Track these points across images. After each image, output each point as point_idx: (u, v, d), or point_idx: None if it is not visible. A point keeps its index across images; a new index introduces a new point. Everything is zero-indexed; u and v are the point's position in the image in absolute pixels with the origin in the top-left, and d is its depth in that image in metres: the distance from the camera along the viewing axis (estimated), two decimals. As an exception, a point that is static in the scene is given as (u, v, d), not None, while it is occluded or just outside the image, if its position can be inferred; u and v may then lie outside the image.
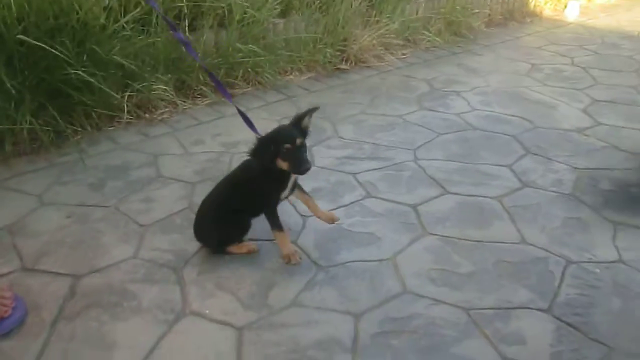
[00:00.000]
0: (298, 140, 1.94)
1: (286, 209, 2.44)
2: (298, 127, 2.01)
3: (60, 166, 2.76)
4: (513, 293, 2.00)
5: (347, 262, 2.14)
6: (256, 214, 2.16)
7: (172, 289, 1.98)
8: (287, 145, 1.92)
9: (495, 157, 2.96)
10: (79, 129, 3.06)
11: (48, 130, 2.88)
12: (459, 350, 1.76)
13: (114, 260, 2.11)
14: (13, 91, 2.70)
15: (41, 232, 2.26)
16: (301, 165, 1.94)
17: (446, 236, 2.30)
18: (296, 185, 2.16)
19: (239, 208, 2.10)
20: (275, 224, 2.09)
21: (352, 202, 2.53)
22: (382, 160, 2.91)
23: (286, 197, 2.15)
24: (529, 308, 1.94)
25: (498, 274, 2.10)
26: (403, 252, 2.21)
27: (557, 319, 1.89)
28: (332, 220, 2.20)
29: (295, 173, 2.01)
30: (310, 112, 2.05)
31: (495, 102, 3.71)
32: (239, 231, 2.16)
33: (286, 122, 3.26)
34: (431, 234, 2.32)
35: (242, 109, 3.44)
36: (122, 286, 1.99)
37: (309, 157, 2.01)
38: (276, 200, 2.10)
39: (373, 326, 1.84)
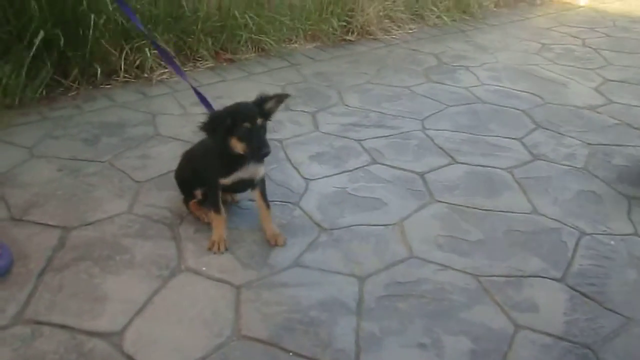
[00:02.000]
0: (259, 120, 1.71)
1: (289, 172, 2.34)
2: (260, 108, 1.74)
3: (53, 120, 2.65)
4: (525, 262, 1.91)
5: (351, 226, 2.04)
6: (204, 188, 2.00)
7: (168, 245, 1.88)
8: (246, 124, 1.68)
9: (505, 129, 2.86)
10: (75, 85, 2.93)
11: (40, 83, 2.76)
12: (468, 316, 1.67)
13: (107, 214, 2.01)
14: None
15: (31, 183, 2.15)
16: (260, 147, 1.69)
17: (454, 204, 2.21)
18: (258, 184, 1.91)
19: (188, 177, 1.99)
20: (213, 204, 1.87)
21: (356, 168, 2.42)
22: (388, 129, 2.80)
23: (242, 191, 1.99)
24: (541, 277, 1.85)
25: (509, 243, 2.00)
26: (410, 218, 2.11)
27: (571, 288, 1.81)
28: (275, 241, 1.90)
29: (252, 157, 1.76)
30: (279, 97, 1.78)
31: (504, 77, 3.60)
32: (186, 194, 2.03)
33: (290, 88, 3.19)
34: (439, 201, 2.23)
35: (244, 73, 3.37)
36: (115, 240, 1.89)
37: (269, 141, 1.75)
38: (216, 183, 1.85)
39: (379, 289, 1.75)
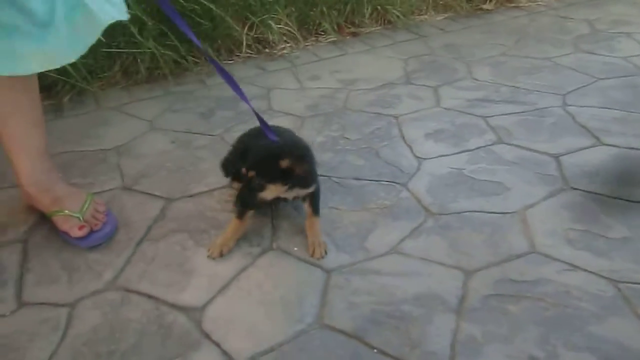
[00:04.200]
0: (250, 172, 1.55)
1: (401, 150, 2.15)
2: (272, 161, 1.55)
3: (175, 95, 2.72)
4: (684, 269, 1.53)
5: (463, 212, 1.80)
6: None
7: (262, 222, 1.80)
8: (243, 169, 1.58)
9: (671, 107, 2.37)
10: (199, 61, 2.99)
11: (168, 59, 2.85)
12: (599, 330, 1.36)
13: (209, 187, 1.99)
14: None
15: (145, 154, 2.21)
16: (239, 200, 1.63)
17: (594, 192, 1.85)
18: (306, 198, 1.71)
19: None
20: (239, 207, 1.72)
21: (478, 147, 2.15)
22: (521, 105, 2.46)
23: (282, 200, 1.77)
24: None
25: (664, 244, 1.62)
26: (535, 207, 1.81)
27: None
28: (312, 251, 1.65)
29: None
30: (298, 159, 1.54)
31: (677, 45, 3.01)
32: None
33: (413, 62, 2.96)
34: (574, 188, 1.88)
35: (366, 46, 3.20)
36: (212, 214, 1.85)
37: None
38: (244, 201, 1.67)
39: (487, 287, 1.51)
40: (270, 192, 1.60)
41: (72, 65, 2.63)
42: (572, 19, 3.50)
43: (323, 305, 1.48)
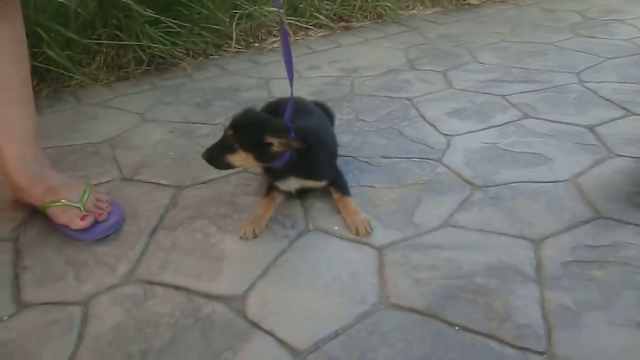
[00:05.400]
0: (229, 130, 1.45)
1: (425, 129, 2.00)
2: (255, 129, 1.42)
3: (164, 89, 2.50)
4: None
5: (511, 183, 1.65)
6: None
7: (292, 203, 1.60)
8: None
9: (688, 79, 2.32)
10: (186, 56, 2.78)
11: (152, 54, 2.63)
12: (702, 289, 1.21)
13: (222, 173, 1.76)
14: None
15: (141, 145, 1.98)
16: (207, 152, 1.47)
17: (644, 158, 1.74)
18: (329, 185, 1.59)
19: None
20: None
21: (506, 123, 2.02)
22: (536, 83, 2.36)
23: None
24: None
25: None
26: (586, 174, 1.67)
27: None
28: (355, 229, 1.45)
29: None
30: (283, 139, 1.38)
31: (671, 28, 3.00)
32: None
33: (413, 50, 2.84)
34: (621, 155, 1.77)
35: (360, 39, 3.08)
36: (232, 199, 1.64)
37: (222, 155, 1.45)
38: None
39: (562, 254, 1.35)
40: (239, 158, 1.43)
41: (49, 60, 2.39)
42: (560, 10, 3.49)
43: (384, 284, 1.28)
